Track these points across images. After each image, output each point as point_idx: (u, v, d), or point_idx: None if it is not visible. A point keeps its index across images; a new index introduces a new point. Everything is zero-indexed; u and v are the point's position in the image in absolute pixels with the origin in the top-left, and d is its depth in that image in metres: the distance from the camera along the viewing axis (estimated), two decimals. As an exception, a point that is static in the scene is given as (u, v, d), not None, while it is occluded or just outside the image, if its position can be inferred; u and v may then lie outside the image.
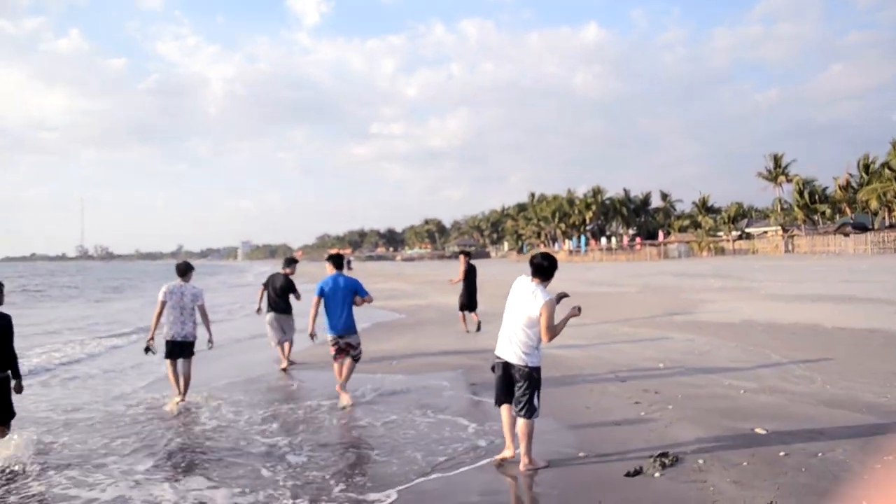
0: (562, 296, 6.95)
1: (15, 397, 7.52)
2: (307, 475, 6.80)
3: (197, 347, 10.35)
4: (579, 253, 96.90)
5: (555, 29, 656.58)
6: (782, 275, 34.48)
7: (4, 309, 7.61)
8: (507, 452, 6.93)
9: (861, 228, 64.94)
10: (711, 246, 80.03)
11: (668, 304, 22.14)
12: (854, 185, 72.46)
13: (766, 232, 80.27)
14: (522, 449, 6.71)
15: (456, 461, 7.04)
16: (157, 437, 8.44)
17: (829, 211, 74.83)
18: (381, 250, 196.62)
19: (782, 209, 79.70)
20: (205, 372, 11.98)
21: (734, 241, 79.47)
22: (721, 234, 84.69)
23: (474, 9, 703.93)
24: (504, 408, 6.87)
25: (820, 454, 6.63)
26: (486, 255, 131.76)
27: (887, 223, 64.78)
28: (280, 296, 13.45)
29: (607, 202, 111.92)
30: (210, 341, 10.55)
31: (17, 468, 7.11)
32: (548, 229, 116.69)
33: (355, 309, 10.07)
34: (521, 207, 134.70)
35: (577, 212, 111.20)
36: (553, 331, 6.44)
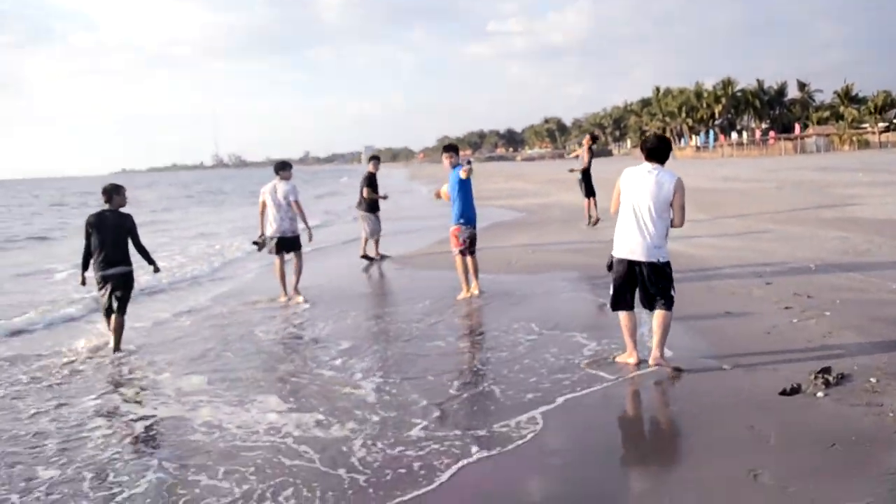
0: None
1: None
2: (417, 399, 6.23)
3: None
4: (707, 149, 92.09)
5: None
6: (942, 167, 31.18)
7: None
8: (630, 359, 6.27)
9: None
10: (854, 139, 74.29)
11: (813, 200, 20.18)
12: None
13: (919, 123, 73.57)
14: (656, 341, 6.12)
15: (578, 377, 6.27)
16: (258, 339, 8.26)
17: None
18: (500, 151, 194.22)
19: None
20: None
21: (881, 133, 73.33)
22: (866, 125, 78.26)
23: None
24: (624, 314, 6.27)
25: None
26: (609, 154, 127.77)
27: None
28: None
29: (738, 94, 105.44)
30: (309, 235, 10.71)
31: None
32: (674, 125, 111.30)
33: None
34: (646, 103, 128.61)
35: (705, 105, 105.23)
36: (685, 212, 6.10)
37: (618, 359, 6.41)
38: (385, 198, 14.47)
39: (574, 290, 9.87)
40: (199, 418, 5.65)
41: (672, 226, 6.12)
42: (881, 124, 76.14)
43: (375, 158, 14.80)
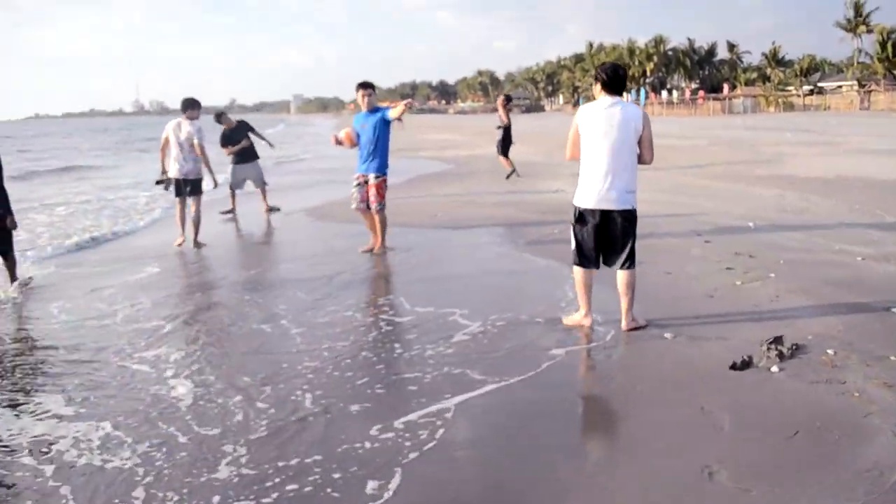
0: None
1: None
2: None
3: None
4: (638, 106, 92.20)
5: None
6: (863, 130, 31.51)
7: None
8: (585, 320, 5.63)
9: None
10: (780, 101, 75.44)
11: (744, 157, 19.95)
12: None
13: (840, 87, 75.03)
14: (625, 305, 5.51)
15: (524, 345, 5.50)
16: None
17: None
18: (433, 103, 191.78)
19: (860, 63, 74.00)
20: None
21: (805, 96, 74.64)
22: (791, 88, 79.51)
23: None
24: (585, 271, 5.55)
25: None
26: (541, 109, 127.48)
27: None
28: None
29: (670, 53, 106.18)
30: (213, 181, 10.06)
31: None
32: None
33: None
34: (579, 59, 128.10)
35: (637, 63, 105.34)
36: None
37: (567, 321, 5.73)
38: (248, 145, 12.80)
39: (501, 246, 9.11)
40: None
41: (641, 163, 5.42)
42: (806, 87, 77.45)
43: (221, 115, 13.07)
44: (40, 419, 4.35)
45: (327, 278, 7.64)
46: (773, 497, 3.19)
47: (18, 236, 8.90)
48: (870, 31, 72.52)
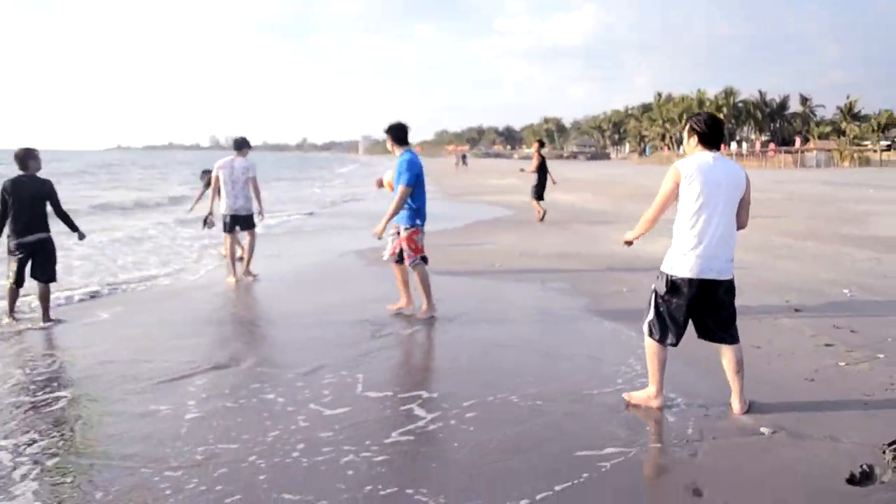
0: None
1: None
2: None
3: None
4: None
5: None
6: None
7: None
8: (655, 401, 4.85)
9: None
10: (856, 156, 72.79)
11: (826, 214, 18.68)
12: None
13: (920, 144, 72.25)
14: (738, 386, 4.74)
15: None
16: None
17: None
18: (498, 148, 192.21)
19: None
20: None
21: (882, 151, 71.94)
22: (867, 143, 76.86)
23: None
24: (660, 346, 4.77)
25: None
26: (606, 157, 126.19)
27: None
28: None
29: (740, 105, 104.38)
30: (260, 213, 10.30)
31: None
32: (674, 131, 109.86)
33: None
34: (646, 108, 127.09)
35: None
36: None
37: (633, 397, 4.97)
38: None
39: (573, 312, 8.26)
40: None
41: (738, 227, 4.71)
42: (883, 142, 74.82)
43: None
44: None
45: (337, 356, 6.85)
46: None
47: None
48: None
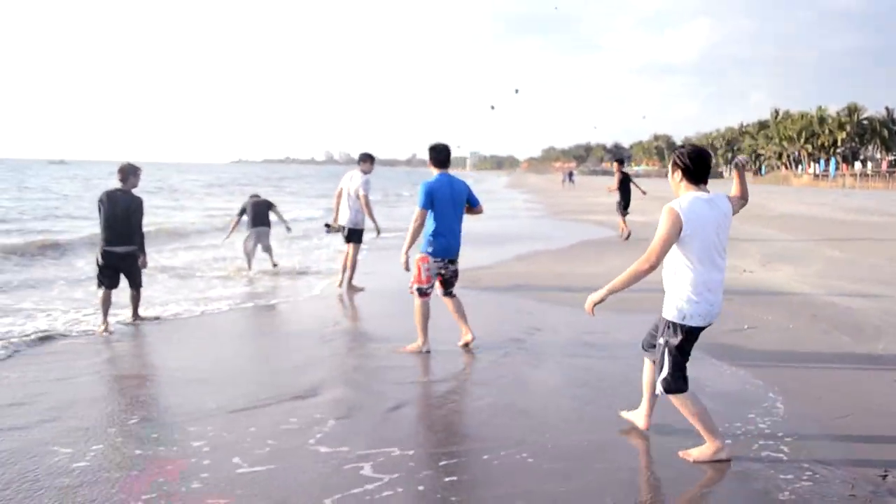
0: None
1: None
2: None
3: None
4: (826, 177, 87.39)
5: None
6: None
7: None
8: (722, 453, 4.52)
9: None
10: None
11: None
12: None
13: None
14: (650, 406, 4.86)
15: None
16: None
17: None
18: (606, 165, 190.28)
19: None
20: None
21: None
22: None
23: None
24: (694, 396, 4.52)
25: None
26: (719, 175, 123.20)
27: None
28: None
29: (865, 122, 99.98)
30: (377, 231, 10.87)
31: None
32: (791, 150, 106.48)
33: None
34: (762, 125, 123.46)
35: (827, 132, 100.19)
36: None
37: (694, 456, 4.50)
38: None
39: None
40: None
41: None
42: None
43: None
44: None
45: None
46: None
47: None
48: None
